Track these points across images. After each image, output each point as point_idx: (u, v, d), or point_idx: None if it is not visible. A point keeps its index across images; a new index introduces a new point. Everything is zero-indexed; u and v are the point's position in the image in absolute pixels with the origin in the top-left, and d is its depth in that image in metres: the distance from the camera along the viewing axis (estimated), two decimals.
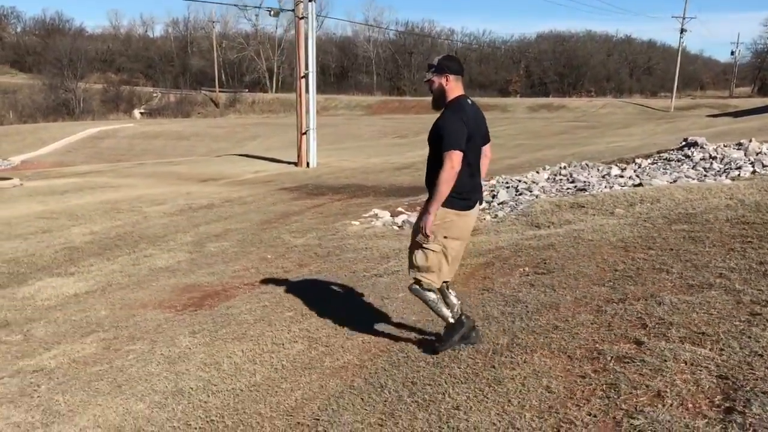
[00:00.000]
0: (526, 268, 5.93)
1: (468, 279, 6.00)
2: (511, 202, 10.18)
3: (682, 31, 60.16)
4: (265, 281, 7.03)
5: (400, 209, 11.40)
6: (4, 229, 10.79)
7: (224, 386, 4.39)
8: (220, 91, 75.97)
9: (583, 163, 13.08)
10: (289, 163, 20.62)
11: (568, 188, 10.23)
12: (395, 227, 9.65)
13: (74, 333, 5.87)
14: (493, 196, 10.76)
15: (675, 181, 9.49)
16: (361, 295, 6.06)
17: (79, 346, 5.47)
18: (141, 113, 72.72)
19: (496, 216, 8.68)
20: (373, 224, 10.05)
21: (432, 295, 4.08)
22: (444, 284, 4.18)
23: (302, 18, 18.02)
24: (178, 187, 15.31)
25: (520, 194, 10.98)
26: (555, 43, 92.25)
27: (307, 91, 18.56)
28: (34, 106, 65.09)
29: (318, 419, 3.78)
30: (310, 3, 17.66)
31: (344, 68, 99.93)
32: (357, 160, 20.97)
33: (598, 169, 12.06)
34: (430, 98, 4.11)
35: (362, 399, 3.93)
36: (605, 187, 9.51)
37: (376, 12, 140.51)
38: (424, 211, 3.92)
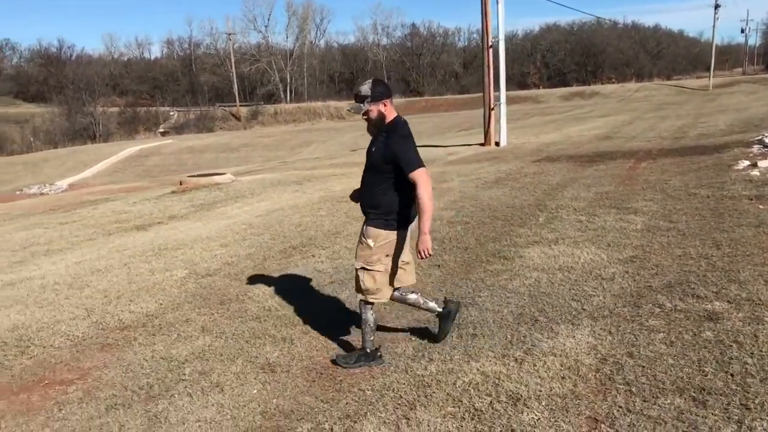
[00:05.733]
0: None
1: None
2: None
3: (716, 6, 59.13)
4: None
5: None
6: (334, 212, 9.07)
7: None
8: (241, 105, 73.99)
9: None
10: (467, 145, 18.91)
11: None
12: None
13: None
14: None
15: None
16: None
17: None
18: (161, 133, 70.54)
19: None
20: None
21: (371, 317, 4.13)
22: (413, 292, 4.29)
23: None
24: None
25: None
26: (567, 34, 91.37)
27: (496, 62, 16.87)
28: (60, 131, 62.83)
29: None
30: None
31: (354, 74, 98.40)
32: (535, 139, 19.30)
33: None
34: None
35: None
36: None
37: (384, 16, 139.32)
38: (420, 234, 3.86)
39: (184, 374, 4.26)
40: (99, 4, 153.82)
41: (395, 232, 4.02)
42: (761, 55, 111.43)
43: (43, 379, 4.42)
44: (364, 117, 3.97)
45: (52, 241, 9.08)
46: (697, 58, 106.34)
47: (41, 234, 9.81)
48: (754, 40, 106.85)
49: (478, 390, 3.66)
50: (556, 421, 3.25)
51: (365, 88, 3.93)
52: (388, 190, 3.95)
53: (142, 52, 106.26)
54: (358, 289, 4.15)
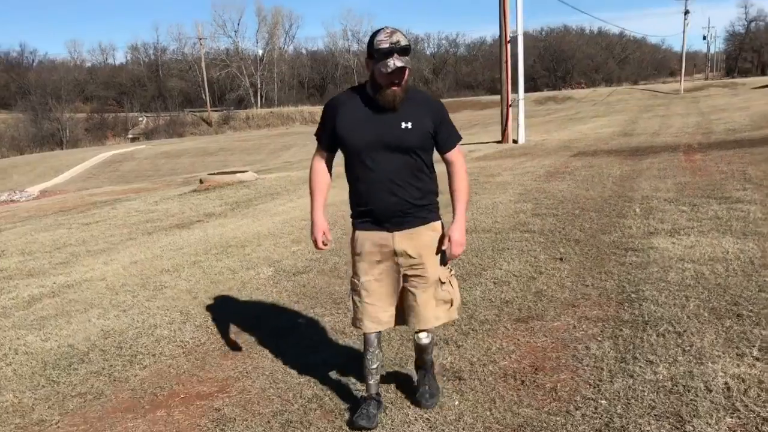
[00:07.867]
0: None
1: None
2: None
3: (686, 12, 60.08)
4: None
5: None
6: None
7: None
8: (212, 110, 72.61)
9: None
10: (483, 143, 18.41)
11: None
12: None
13: None
14: None
15: None
16: None
17: None
18: (131, 138, 68.78)
19: None
20: None
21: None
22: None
23: None
24: None
25: None
26: (535, 40, 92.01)
27: (514, 58, 16.41)
28: (26, 137, 60.73)
29: None
30: None
31: (324, 80, 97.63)
32: (549, 137, 18.92)
33: None
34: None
35: None
36: None
37: (354, 21, 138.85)
38: (458, 228, 2.98)
39: (351, 383, 3.58)
40: (62, 9, 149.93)
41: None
42: (721, 62, 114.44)
43: (175, 393, 3.69)
44: (395, 82, 2.74)
45: (86, 242, 8.24)
46: (661, 64, 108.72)
47: (68, 234, 8.95)
48: (715, 47, 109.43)
49: (748, 396, 3.06)
50: None
51: (405, 39, 2.70)
52: (425, 169, 2.95)
53: (106, 58, 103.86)
54: (448, 310, 3.13)
